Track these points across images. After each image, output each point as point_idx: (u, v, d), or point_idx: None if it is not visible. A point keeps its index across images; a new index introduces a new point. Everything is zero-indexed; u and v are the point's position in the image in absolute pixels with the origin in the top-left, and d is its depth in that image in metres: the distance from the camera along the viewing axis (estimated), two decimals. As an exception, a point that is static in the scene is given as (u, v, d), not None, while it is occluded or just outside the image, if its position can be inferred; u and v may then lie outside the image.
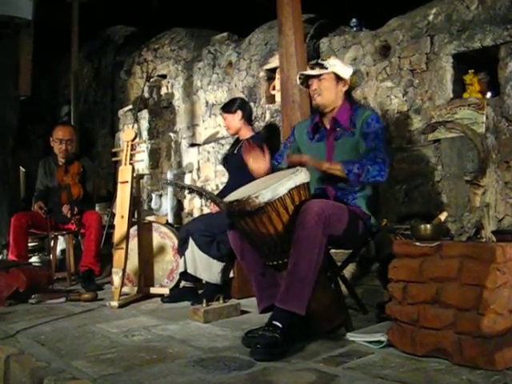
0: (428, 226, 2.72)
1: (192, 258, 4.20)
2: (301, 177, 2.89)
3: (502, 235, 2.63)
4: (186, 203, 6.61)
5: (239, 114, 4.68)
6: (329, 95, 3.32)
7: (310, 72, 3.38)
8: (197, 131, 6.69)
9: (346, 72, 3.37)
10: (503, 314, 2.36)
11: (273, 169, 3.31)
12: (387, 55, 4.61)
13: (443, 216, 2.85)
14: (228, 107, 4.74)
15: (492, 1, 4.02)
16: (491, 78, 4.08)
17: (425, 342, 2.51)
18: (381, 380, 2.27)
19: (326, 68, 3.30)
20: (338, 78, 3.34)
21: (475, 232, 2.68)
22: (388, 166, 3.11)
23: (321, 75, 3.32)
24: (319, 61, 3.37)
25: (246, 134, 4.67)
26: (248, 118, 4.76)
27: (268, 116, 5.63)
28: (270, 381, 2.32)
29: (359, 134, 3.23)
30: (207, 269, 4.16)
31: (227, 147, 5.40)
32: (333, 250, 3.47)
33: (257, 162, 3.25)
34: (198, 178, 6.47)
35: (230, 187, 4.09)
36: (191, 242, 4.20)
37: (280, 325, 2.69)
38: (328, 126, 3.37)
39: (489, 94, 4.09)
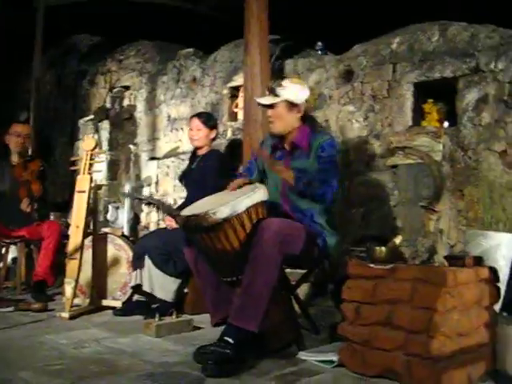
0: (383, 248, 2.77)
1: (148, 276, 4.16)
2: (259, 195, 2.92)
3: (453, 260, 2.70)
4: (142, 216, 6.56)
5: (214, 133, 4.63)
6: (281, 123, 3.30)
7: (261, 100, 3.37)
8: (157, 145, 6.67)
9: (299, 97, 3.30)
10: (452, 337, 2.42)
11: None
12: (350, 80, 4.71)
13: (398, 240, 2.91)
14: (207, 119, 4.62)
15: (452, 34, 4.16)
16: (449, 108, 4.20)
17: (375, 363, 2.55)
18: (330, 399, 2.30)
19: (278, 96, 3.27)
20: (292, 105, 3.29)
21: (428, 256, 2.75)
22: (334, 191, 3.14)
23: (273, 104, 3.29)
24: (274, 85, 3.32)
25: (205, 150, 4.64)
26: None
27: (230, 133, 5.66)
28: (220, 396, 2.32)
29: (314, 157, 3.24)
30: (163, 287, 4.14)
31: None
32: (288, 270, 3.50)
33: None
34: (157, 191, 6.44)
35: (188, 203, 4.09)
36: (147, 260, 4.18)
37: (232, 341, 2.69)
38: (286, 147, 3.39)
39: (446, 124, 4.20)
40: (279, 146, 3.42)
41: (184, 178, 4.73)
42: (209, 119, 4.64)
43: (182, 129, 6.30)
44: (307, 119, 3.42)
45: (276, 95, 3.27)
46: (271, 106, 3.30)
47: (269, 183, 3.34)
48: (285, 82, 3.32)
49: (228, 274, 2.93)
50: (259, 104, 3.44)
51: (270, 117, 3.32)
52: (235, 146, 5.37)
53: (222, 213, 2.77)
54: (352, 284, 2.74)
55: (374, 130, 4.48)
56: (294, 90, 3.30)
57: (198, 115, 4.68)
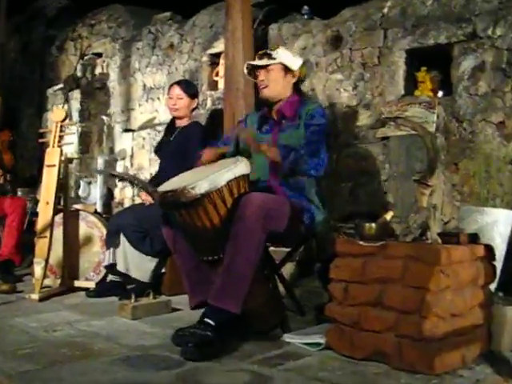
0: (373, 224, 2.77)
1: (123, 256, 4.15)
2: (241, 168, 2.90)
3: (447, 237, 2.71)
4: (116, 192, 6.54)
5: (195, 102, 4.60)
6: (276, 87, 3.34)
7: (256, 62, 3.40)
8: (132, 116, 6.62)
9: (294, 63, 3.37)
10: (445, 317, 2.44)
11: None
12: (338, 46, 4.68)
13: (389, 216, 2.91)
14: (188, 88, 4.58)
15: (448, -3, 4.13)
16: (444, 77, 4.19)
17: (364, 345, 2.56)
18: (317, 382, 2.31)
19: (274, 58, 3.32)
20: (286, 70, 3.35)
21: (421, 233, 2.76)
22: (324, 163, 3.16)
23: (268, 66, 3.33)
24: (267, 51, 3.39)
25: (185, 121, 4.61)
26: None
27: (209, 103, 5.62)
28: (200, 381, 2.32)
29: (303, 125, 3.26)
30: (139, 267, 4.13)
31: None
32: (272, 248, 3.50)
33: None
34: (131, 165, 6.41)
35: (162, 176, 4.06)
36: (122, 238, 4.16)
37: (213, 323, 2.69)
38: (275, 118, 3.39)
39: (440, 93, 4.20)
40: (267, 116, 3.42)
41: (160, 149, 4.70)
42: (190, 87, 4.62)
43: (158, 98, 6.25)
44: (297, 90, 3.43)
45: (272, 58, 3.32)
46: (265, 69, 3.33)
47: (254, 158, 3.32)
48: (279, 48, 3.40)
49: (208, 252, 2.92)
50: (250, 68, 3.44)
51: (262, 81, 3.35)
52: (215, 116, 5.34)
53: (201, 187, 2.75)
54: (340, 262, 2.74)
55: (364, 99, 4.47)
56: (289, 55, 3.39)
57: (179, 83, 4.65)
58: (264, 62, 3.35)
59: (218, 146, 3.50)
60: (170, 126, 4.69)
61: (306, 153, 3.10)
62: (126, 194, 6.41)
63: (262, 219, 2.78)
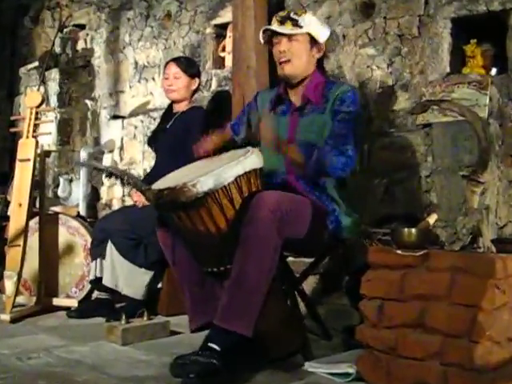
0: (413, 230, 2.76)
1: (111, 268, 4.16)
2: (252, 160, 2.90)
3: (503, 245, 2.70)
4: (103, 191, 6.56)
5: (196, 82, 4.62)
6: (299, 62, 3.29)
7: (279, 29, 3.30)
8: (121, 100, 6.64)
9: (322, 34, 3.32)
10: (501, 342, 2.43)
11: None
12: (370, 15, 4.66)
13: (432, 219, 2.90)
14: (188, 66, 4.62)
15: (503, -47, 4.11)
16: (498, 51, 4.17)
17: (403, 376, 2.56)
18: (346, 421, 2.31)
19: (301, 26, 3.24)
20: (313, 42, 3.30)
21: (471, 240, 2.74)
22: (353, 161, 3.14)
23: (293, 35, 3.27)
24: (292, 15, 3.29)
25: (185, 106, 4.62)
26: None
27: (215, 84, 5.62)
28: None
29: (330, 111, 3.23)
30: (131, 281, 4.14)
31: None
32: (290, 258, 3.50)
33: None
34: (121, 159, 6.42)
35: (158, 172, 4.07)
36: (110, 246, 4.17)
37: (218, 348, 2.68)
38: (293, 100, 3.37)
39: (494, 71, 4.17)
40: (284, 97, 3.40)
41: (154, 140, 4.70)
42: (190, 65, 4.64)
43: (153, 79, 6.26)
44: (321, 67, 3.42)
45: (297, 25, 3.25)
46: (288, 38, 3.27)
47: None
48: (306, 14, 3.32)
49: (213, 263, 2.93)
50: (272, 33, 3.36)
51: (283, 52, 3.28)
52: (222, 100, 5.33)
53: (204, 184, 2.74)
54: (373, 276, 2.74)
55: (401, 78, 4.45)
56: (317, 24, 3.33)
57: (177, 60, 4.67)
58: (288, 29, 3.26)
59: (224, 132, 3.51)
60: (167, 111, 4.71)
61: (333, 149, 3.09)
62: (114, 194, 6.42)
63: (278, 223, 2.77)
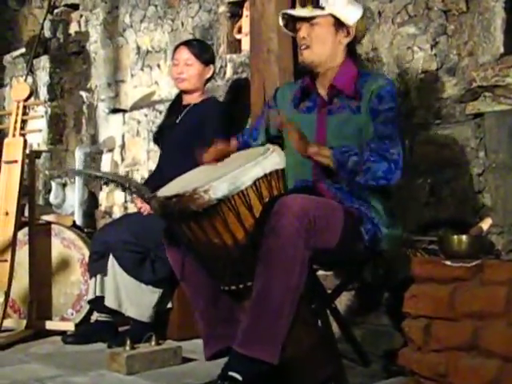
0: (463, 237, 2.76)
1: (113, 286, 4.18)
2: (273, 160, 2.90)
3: None
4: (102, 197, 6.58)
5: (210, 70, 4.63)
6: (322, 49, 3.30)
7: (296, 12, 3.34)
8: (122, 91, 6.67)
9: (350, 15, 3.31)
10: None
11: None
12: (411, -13, 4.67)
13: (486, 224, 2.90)
14: (200, 50, 4.65)
15: None
16: (560, 28, 4.17)
17: (455, 407, 2.56)
18: None
19: (323, 8, 3.25)
20: (339, 24, 3.30)
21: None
22: (400, 165, 3.13)
23: (313, 18, 3.28)
24: None
25: (197, 97, 4.63)
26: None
27: (230, 71, 5.62)
28: None
29: (366, 109, 3.23)
30: (136, 301, 4.16)
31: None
32: (320, 272, 3.50)
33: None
34: (123, 159, 6.44)
35: (164, 174, 4.09)
36: (112, 261, 4.19)
37: (240, 378, 2.70)
38: (322, 93, 3.37)
39: (557, 51, 4.17)
40: (311, 90, 3.40)
41: (161, 136, 4.71)
42: (204, 50, 4.66)
43: (158, 66, 6.27)
44: (354, 53, 3.42)
45: (319, 6, 3.25)
46: (309, 22, 3.28)
47: (288, 145, 3.31)
48: None
49: (231, 280, 2.94)
50: (287, 19, 3.39)
51: (303, 39, 3.30)
52: (239, 89, 5.33)
53: (218, 189, 2.74)
54: (418, 291, 2.74)
55: (447, 61, 4.44)
56: (343, 3, 3.31)
57: (188, 44, 4.69)
58: (307, 11, 3.28)
59: (243, 139, 3.52)
60: (175, 103, 4.71)
61: (373, 154, 3.07)
62: (115, 200, 6.44)
63: (305, 232, 2.77)
